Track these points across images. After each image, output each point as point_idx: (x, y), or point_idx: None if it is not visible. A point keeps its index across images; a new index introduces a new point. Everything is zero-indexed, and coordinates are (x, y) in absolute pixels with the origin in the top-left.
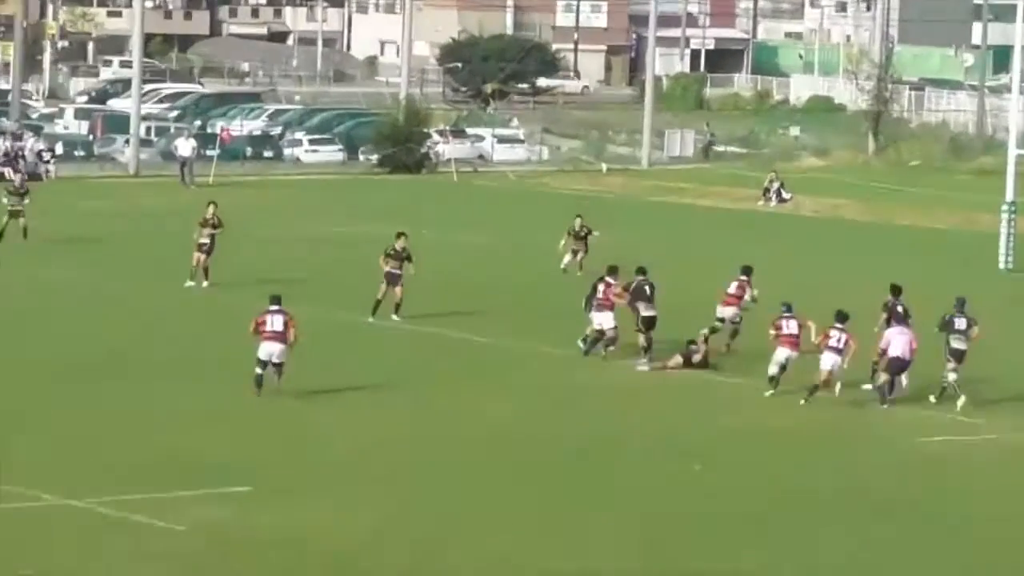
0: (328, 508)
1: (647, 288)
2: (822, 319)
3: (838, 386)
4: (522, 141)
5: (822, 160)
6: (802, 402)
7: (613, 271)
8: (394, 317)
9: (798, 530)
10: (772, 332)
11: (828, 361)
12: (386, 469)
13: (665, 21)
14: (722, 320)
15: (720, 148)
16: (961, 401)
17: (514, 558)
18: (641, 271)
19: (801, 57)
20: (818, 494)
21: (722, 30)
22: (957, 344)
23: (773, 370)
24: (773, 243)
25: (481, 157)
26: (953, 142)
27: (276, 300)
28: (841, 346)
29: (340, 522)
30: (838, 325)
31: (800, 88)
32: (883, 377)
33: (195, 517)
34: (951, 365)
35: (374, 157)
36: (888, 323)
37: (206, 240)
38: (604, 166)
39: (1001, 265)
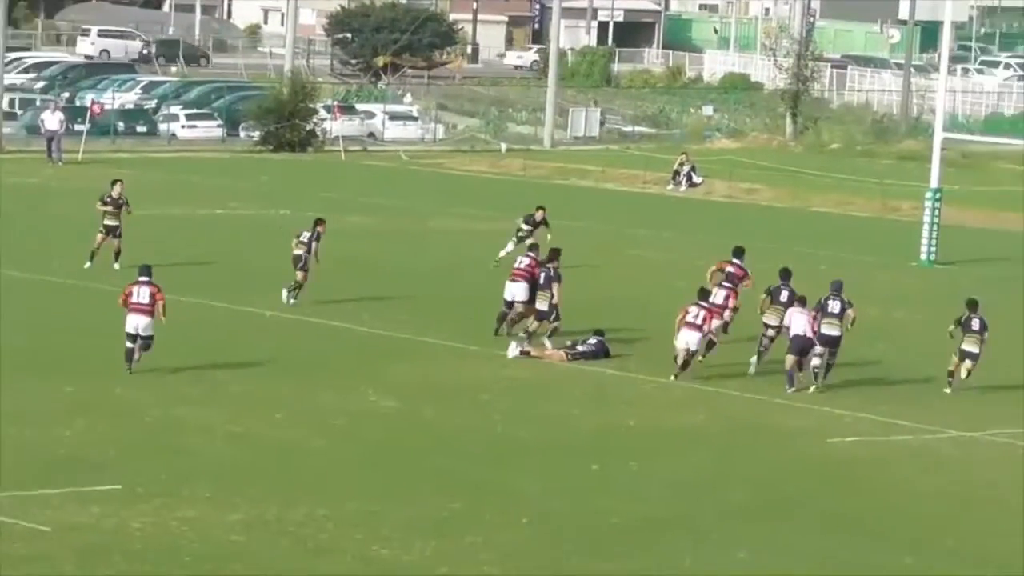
0: (201, 506)
1: (543, 276)
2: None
3: (699, 358)
4: (416, 118)
5: (736, 142)
6: (672, 378)
7: (535, 248)
8: (291, 301)
9: (699, 532)
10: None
11: (685, 339)
12: (262, 465)
13: None
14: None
15: (628, 128)
16: (812, 388)
17: (397, 560)
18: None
19: (716, 32)
20: (721, 495)
21: (632, 1)
22: (828, 330)
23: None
24: (682, 229)
25: (371, 135)
26: (876, 124)
27: (144, 271)
28: (700, 323)
29: (213, 521)
30: (700, 302)
31: (714, 65)
32: (790, 360)
33: (62, 517)
34: (817, 350)
35: (256, 134)
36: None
37: (114, 222)
38: (503, 146)
39: (923, 256)
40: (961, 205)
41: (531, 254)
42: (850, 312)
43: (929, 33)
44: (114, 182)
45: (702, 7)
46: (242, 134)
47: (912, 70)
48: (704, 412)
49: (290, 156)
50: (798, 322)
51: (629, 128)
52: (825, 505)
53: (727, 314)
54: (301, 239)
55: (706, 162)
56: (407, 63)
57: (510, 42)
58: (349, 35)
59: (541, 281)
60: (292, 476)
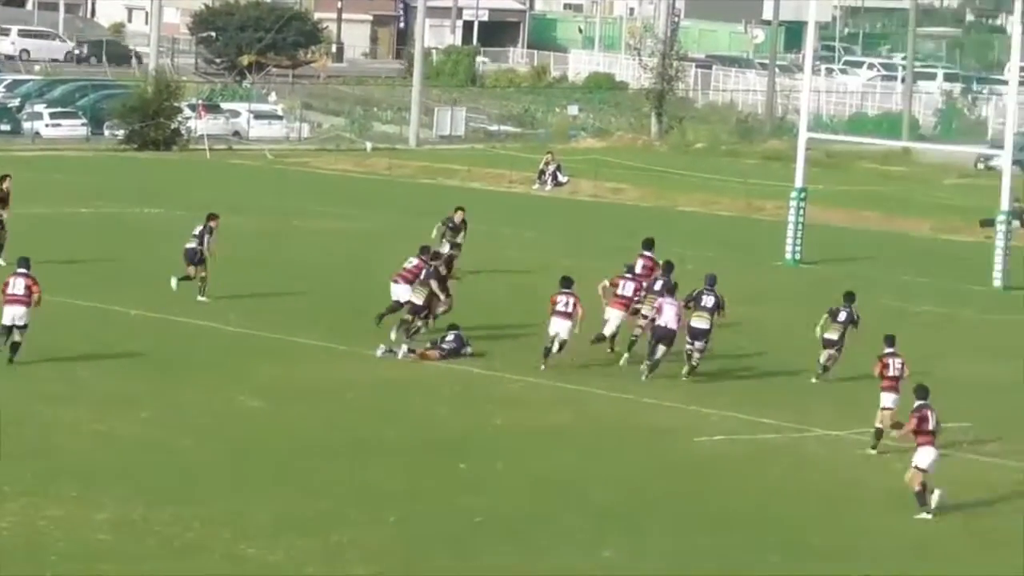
0: (68, 505)
1: (423, 271)
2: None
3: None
4: (281, 117)
5: (602, 141)
6: (542, 367)
7: (426, 250)
8: (200, 298)
9: (564, 531)
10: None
11: (555, 327)
12: (128, 464)
13: None
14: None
15: (493, 128)
16: (684, 371)
17: (263, 559)
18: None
19: (581, 31)
20: (587, 494)
21: (497, 1)
22: (698, 323)
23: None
24: (547, 228)
25: (236, 134)
26: (741, 124)
27: (22, 263)
28: (569, 310)
29: (80, 520)
30: (565, 290)
31: (579, 64)
32: (651, 348)
33: None
34: (688, 341)
35: (121, 132)
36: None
37: None
38: (369, 145)
39: (788, 256)
40: (825, 204)
41: (422, 256)
42: (725, 310)
43: (793, 33)
44: (2, 177)
45: (567, 7)
46: (107, 133)
47: (776, 70)
48: (571, 411)
49: (155, 155)
50: (669, 312)
51: (495, 127)
52: (691, 504)
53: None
54: (194, 233)
55: (572, 161)
56: (272, 62)
57: (375, 41)
58: (213, 34)
59: (421, 276)
60: (158, 475)
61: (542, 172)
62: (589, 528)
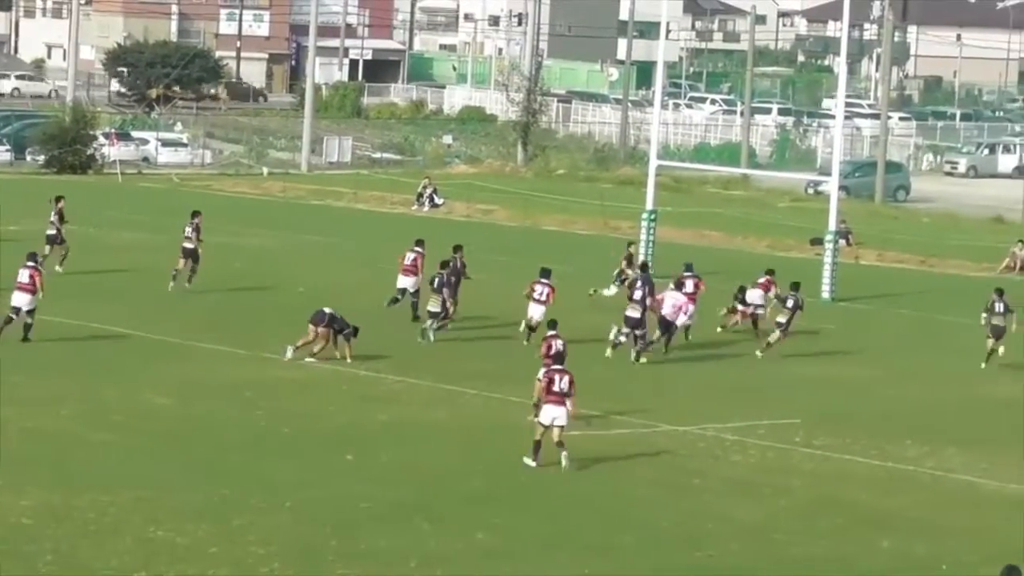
0: None
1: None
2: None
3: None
4: (186, 145)
5: (474, 167)
6: (525, 342)
7: (421, 243)
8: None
9: (440, 516)
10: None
11: (535, 311)
12: (50, 456)
13: (325, 31)
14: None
15: (376, 155)
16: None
17: (171, 541)
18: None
19: (455, 69)
20: (462, 483)
21: (380, 41)
22: (631, 312)
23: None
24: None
25: (146, 159)
26: (598, 153)
27: (31, 257)
28: (544, 298)
29: (6, 506)
30: (543, 280)
31: (454, 98)
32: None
33: None
34: (624, 330)
35: (41, 158)
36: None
37: None
38: (265, 170)
39: None
40: (673, 224)
41: (416, 248)
42: (649, 299)
43: (644, 72)
44: (58, 198)
45: (442, 47)
46: (28, 158)
47: (629, 104)
48: (447, 409)
49: (72, 178)
50: (666, 305)
51: (377, 155)
52: (555, 490)
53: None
54: (187, 233)
55: (447, 185)
56: (178, 95)
57: (270, 77)
58: (125, 69)
59: (435, 285)
60: (78, 466)
61: (420, 195)
62: (464, 513)
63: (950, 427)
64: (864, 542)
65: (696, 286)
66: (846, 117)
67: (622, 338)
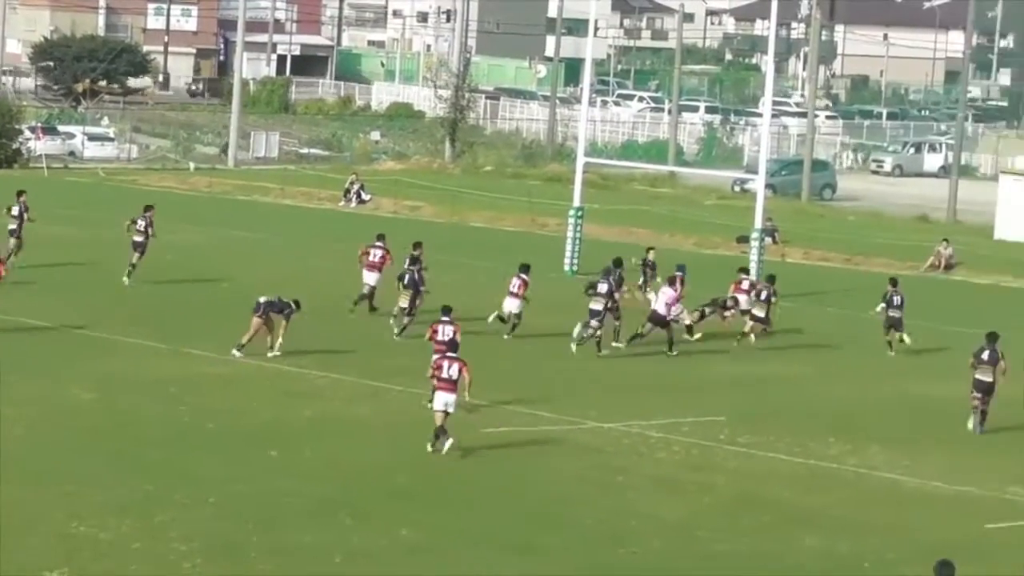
0: None
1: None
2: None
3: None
4: (112, 139)
5: (401, 164)
6: (506, 337)
7: (382, 237)
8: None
9: (365, 512)
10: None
11: (507, 305)
12: None
13: (253, 26)
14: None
15: (304, 151)
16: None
17: (94, 536)
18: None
19: (383, 65)
20: (386, 478)
21: (308, 36)
22: (594, 304)
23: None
24: (353, 240)
25: (72, 154)
26: (525, 149)
27: None
28: (516, 290)
29: None
30: (521, 275)
31: (382, 95)
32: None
33: None
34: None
35: None
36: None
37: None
38: (192, 165)
39: (567, 267)
40: (600, 221)
41: (379, 243)
42: (616, 293)
43: (572, 69)
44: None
45: (370, 43)
46: None
47: (557, 101)
48: (371, 405)
49: None
50: (660, 300)
51: (305, 150)
52: (480, 487)
53: None
54: (137, 227)
55: (374, 182)
56: (105, 89)
57: (198, 72)
58: (52, 63)
59: (406, 281)
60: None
61: (347, 191)
62: (388, 509)
63: (873, 425)
64: (788, 540)
65: (681, 283)
66: (773, 115)
67: (588, 331)
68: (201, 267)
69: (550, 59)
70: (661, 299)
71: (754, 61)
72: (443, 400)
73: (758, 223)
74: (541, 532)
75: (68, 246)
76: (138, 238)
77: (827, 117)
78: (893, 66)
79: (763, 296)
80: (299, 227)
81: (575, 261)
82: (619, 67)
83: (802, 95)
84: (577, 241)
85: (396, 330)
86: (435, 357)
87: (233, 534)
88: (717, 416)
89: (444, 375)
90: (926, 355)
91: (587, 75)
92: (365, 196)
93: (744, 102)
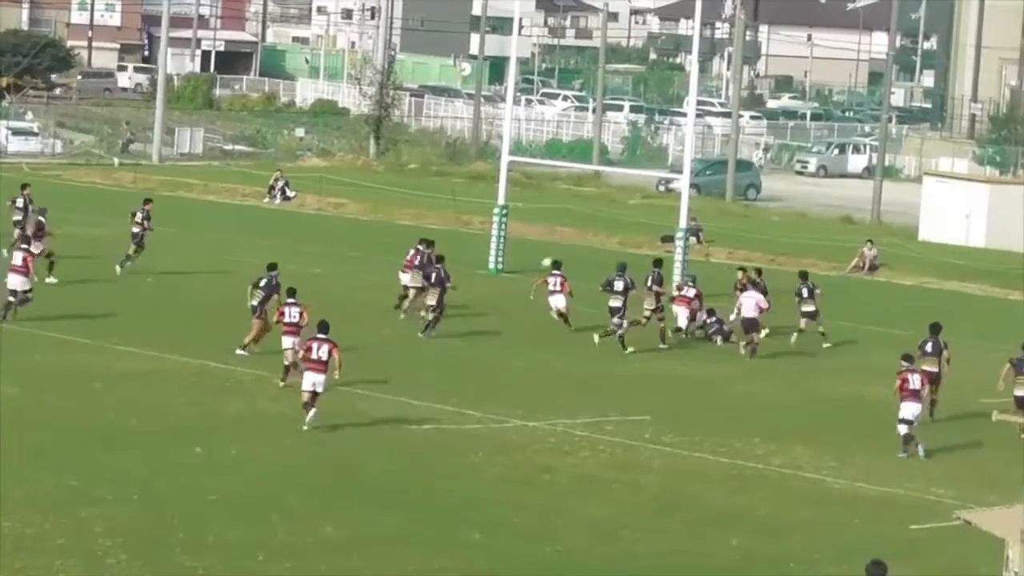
0: None
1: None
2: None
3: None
4: (36, 134)
5: (326, 161)
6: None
7: (425, 242)
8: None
9: (290, 509)
10: None
11: (557, 301)
12: None
13: (177, 22)
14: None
15: (228, 147)
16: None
17: (20, 532)
18: None
19: (307, 62)
20: (311, 476)
21: (232, 32)
22: (613, 302)
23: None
24: (277, 237)
25: None
26: (449, 147)
27: (23, 240)
28: (559, 287)
29: None
30: (555, 272)
31: (306, 91)
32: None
33: None
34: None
35: None
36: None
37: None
38: (116, 160)
39: (491, 265)
40: (524, 220)
41: (419, 246)
42: (631, 291)
43: (497, 67)
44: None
45: (295, 39)
46: None
47: (482, 99)
48: (296, 402)
49: None
50: (746, 305)
51: (229, 146)
52: (406, 485)
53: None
54: (136, 219)
55: (298, 178)
56: (28, 84)
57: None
58: None
59: (433, 280)
60: None
61: (272, 187)
62: (313, 507)
63: (798, 425)
64: (712, 540)
65: (697, 295)
66: (697, 115)
67: (620, 328)
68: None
69: (475, 57)
70: (749, 304)
71: (678, 61)
72: (311, 380)
73: (683, 223)
74: (465, 530)
75: None
76: (135, 229)
77: (751, 117)
78: (817, 67)
79: (807, 293)
80: (223, 223)
81: (500, 259)
82: (543, 66)
83: (727, 98)
84: (502, 239)
85: (421, 331)
86: (308, 339)
87: (158, 530)
88: (642, 415)
89: (314, 356)
90: (851, 355)
91: (511, 73)
92: (289, 193)
93: (669, 102)
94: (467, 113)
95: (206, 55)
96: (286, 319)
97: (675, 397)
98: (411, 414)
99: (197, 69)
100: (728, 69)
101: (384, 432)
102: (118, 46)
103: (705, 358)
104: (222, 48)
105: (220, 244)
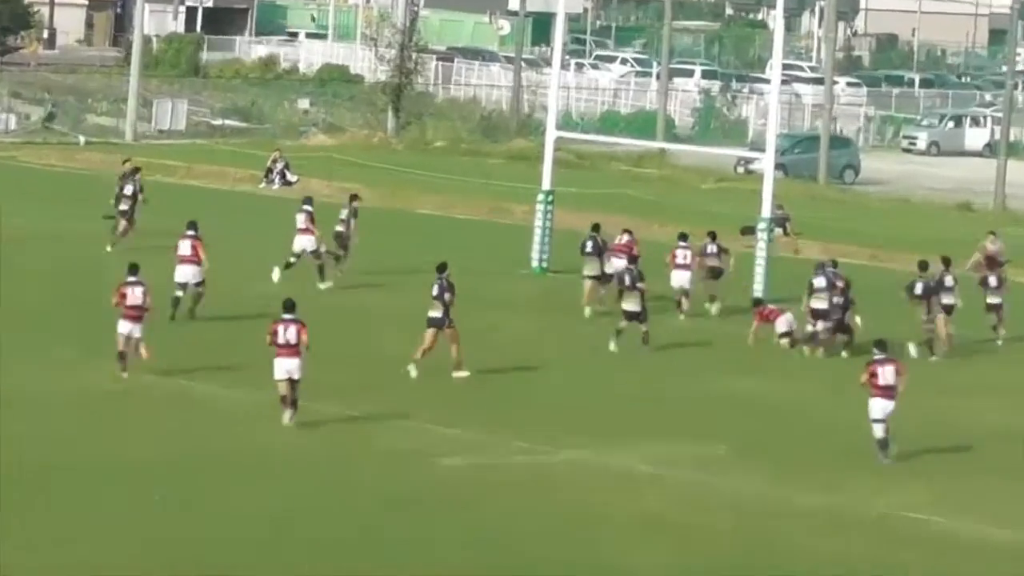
0: None
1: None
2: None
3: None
4: None
5: (334, 138)
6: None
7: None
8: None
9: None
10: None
11: (680, 278)
12: None
13: None
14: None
15: (217, 122)
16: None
17: None
18: None
19: (314, 19)
20: (314, 531)
21: None
22: (629, 305)
23: None
24: (274, 230)
25: None
26: (484, 121)
27: (190, 226)
28: (688, 262)
29: None
30: (683, 244)
31: (311, 55)
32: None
33: None
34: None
35: None
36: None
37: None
38: (82, 139)
39: (535, 263)
40: (574, 208)
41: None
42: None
43: (541, 25)
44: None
45: None
46: None
47: (523, 64)
48: (309, 435)
49: None
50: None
51: (219, 122)
52: (426, 535)
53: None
54: (341, 217)
55: (301, 159)
56: None
57: (90, 27)
58: None
59: (435, 293)
60: None
61: (269, 170)
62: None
63: (906, 457)
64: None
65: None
66: (783, 82)
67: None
68: (85, 263)
69: (515, 13)
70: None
71: (760, 17)
72: (284, 367)
73: (766, 211)
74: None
75: None
76: (123, 206)
77: (848, 84)
78: (927, 23)
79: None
80: (211, 213)
81: (545, 256)
82: (598, 23)
83: (817, 60)
84: (547, 232)
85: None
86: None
87: None
88: (717, 444)
89: (281, 340)
90: (972, 369)
91: (558, 33)
92: (290, 177)
93: (749, 66)
94: (505, 80)
95: (192, 12)
96: (279, 340)
97: (755, 423)
98: (439, 445)
99: (181, 29)
100: (820, 26)
101: (409, 464)
102: (86, 3)
103: (784, 373)
104: (211, 4)
105: (207, 239)
